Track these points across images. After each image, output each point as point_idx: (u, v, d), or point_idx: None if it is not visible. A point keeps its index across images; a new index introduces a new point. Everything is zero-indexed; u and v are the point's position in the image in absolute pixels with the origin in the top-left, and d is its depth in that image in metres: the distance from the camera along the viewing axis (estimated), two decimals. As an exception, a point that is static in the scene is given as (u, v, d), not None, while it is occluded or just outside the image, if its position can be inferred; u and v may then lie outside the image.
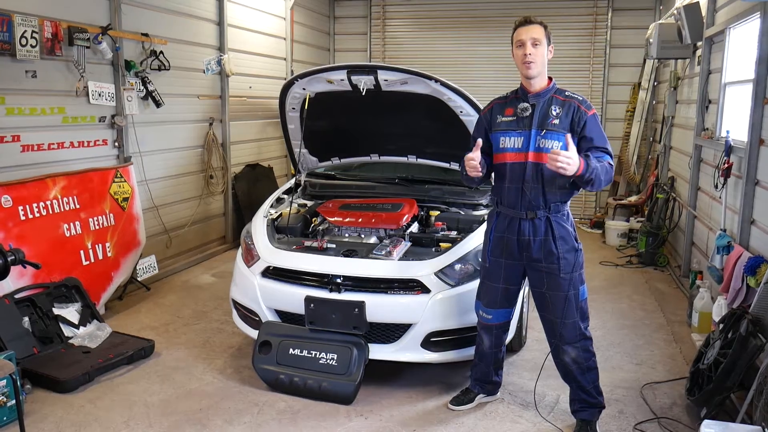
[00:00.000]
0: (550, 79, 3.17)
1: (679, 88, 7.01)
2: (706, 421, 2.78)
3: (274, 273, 3.90)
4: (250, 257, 4.05)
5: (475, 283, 3.55)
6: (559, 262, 3.12)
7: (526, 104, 3.13)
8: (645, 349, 4.45)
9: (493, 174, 3.34)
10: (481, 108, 3.70)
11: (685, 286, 5.69)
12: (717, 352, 3.37)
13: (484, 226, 3.52)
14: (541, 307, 3.30)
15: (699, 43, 5.88)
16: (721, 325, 3.57)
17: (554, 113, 3.09)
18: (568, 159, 2.82)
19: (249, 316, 4.03)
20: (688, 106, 6.54)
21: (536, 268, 3.20)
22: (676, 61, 7.07)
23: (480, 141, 3.18)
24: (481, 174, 3.16)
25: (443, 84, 4.05)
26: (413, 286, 3.67)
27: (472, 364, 3.63)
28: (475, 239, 3.84)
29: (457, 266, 3.73)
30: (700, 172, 5.76)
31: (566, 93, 3.15)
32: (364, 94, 4.22)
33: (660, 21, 7.10)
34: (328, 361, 3.66)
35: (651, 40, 6.69)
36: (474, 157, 3.09)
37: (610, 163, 3.03)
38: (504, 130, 3.16)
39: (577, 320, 3.19)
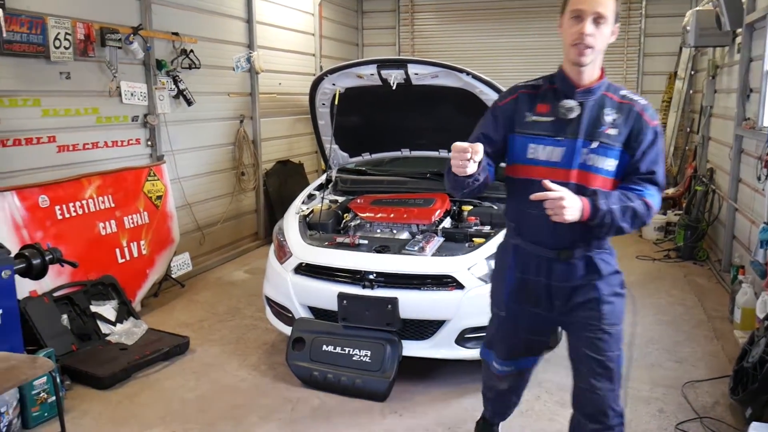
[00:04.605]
0: (602, 70, 2.35)
1: (717, 76, 6.81)
2: (754, 423, 2.70)
3: (306, 270, 3.89)
4: (283, 254, 4.05)
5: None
6: (601, 308, 2.37)
7: (572, 102, 2.28)
8: (685, 346, 4.34)
9: (487, 188, 2.46)
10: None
11: (726, 280, 5.53)
12: (762, 350, 3.26)
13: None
14: (577, 366, 2.51)
15: (739, 30, 5.70)
16: (767, 322, 3.46)
17: (608, 119, 2.28)
18: (560, 203, 2.12)
19: (282, 312, 4.04)
20: (727, 95, 6.35)
21: (572, 319, 2.45)
22: (714, 49, 6.87)
23: (480, 142, 2.21)
24: (470, 180, 2.21)
25: (475, 77, 4.00)
26: (447, 282, 3.63)
27: (486, 397, 3.03)
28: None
29: (492, 262, 3.67)
30: (741, 163, 5.58)
31: (622, 92, 2.35)
32: (394, 88, 4.19)
33: (697, 8, 6.90)
34: (362, 357, 3.64)
35: (688, 28, 6.51)
36: (473, 150, 2.10)
37: (646, 202, 2.24)
38: (535, 135, 2.33)
39: (617, 391, 2.42)
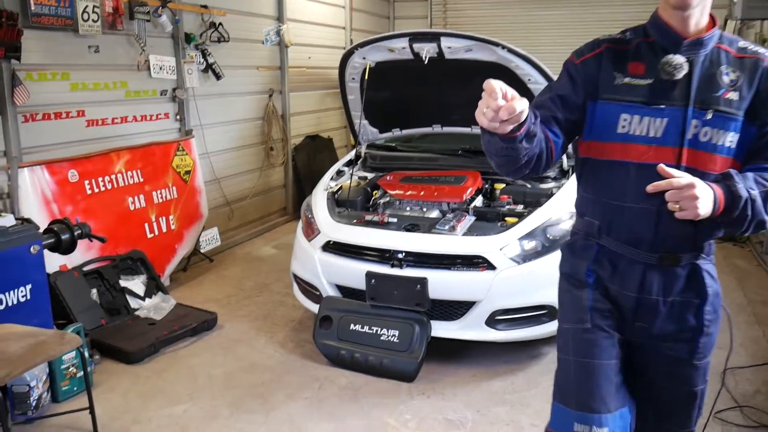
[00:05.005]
0: (711, 17, 1.74)
1: (765, 50, 6.51)
2: (800, 415, 2.57)
3: (334, 247, 3.83)
4: (311, 231, 4.00)
5: (543, 261, 3.38)
6: (697, 340, 1.84)
7: (680, 58, 1.69)
8: (724, 331, 4.16)
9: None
10: (553, 77, 3.45)
11: (767, 263, 5.34)
12: (810, 338, 3.11)
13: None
14: (644, 404, 1.95)
15: (790, 1, 5.42)
16: (815, 309, 3.29)
17: (727, 80, 1.71)
18: (691, 192, 1.56)
19: (310, 290, 4.00)
20: (775, 70, 6.07)
21: (652, 343, 1.87)
22: (762, 22, 6.55)
23: (554, 106, 1.80)
24: (505, 146, 1.61)
25: (510, 50, 3.85)
26: (478, 262, 3.54)
27: None
28: (543, 213, 3.67)
29: (524, 242, 3.57)
30: (788, 141, 5.34)
31: (740, 44, 1.76)
32: (426, 62, 4.07)
33: (745, -22, 6.58)
34: (390, 337, 3.59)
35: (735, 0, 6.21)
36: (509, 103, 1.47)
37: None
38: (629, 102, 1.74)
39: (692, 427, 1.97)
